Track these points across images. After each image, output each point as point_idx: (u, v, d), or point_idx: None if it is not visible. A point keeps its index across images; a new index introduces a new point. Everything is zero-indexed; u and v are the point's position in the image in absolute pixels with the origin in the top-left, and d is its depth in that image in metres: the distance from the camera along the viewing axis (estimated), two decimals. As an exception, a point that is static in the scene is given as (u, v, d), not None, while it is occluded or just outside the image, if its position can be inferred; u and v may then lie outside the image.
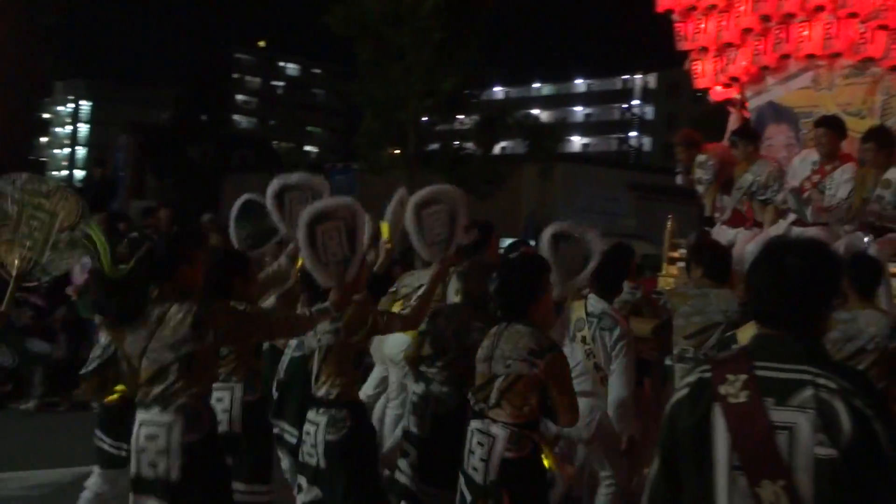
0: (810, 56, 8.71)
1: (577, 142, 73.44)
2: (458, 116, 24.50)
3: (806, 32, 8.61)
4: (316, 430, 4.74)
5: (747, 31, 9.09)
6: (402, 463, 5.27)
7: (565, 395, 4.44)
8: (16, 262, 5.45)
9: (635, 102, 70.34)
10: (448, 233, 5.63)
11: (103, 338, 5.76)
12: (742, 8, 9.01)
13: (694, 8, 9.39)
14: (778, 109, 9.17)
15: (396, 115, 21.80)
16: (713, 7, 9.29)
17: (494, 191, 24.04)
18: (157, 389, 4.31)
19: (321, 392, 4.81)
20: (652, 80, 69.82)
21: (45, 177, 6.24)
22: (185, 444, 4.24)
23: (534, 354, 4.35)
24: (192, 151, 47.62)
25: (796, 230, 7.73)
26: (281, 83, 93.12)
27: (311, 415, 4.84)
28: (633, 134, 67.98)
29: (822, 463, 2.43)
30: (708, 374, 2.67)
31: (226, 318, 4.46)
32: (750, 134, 8.89)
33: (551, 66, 78.09)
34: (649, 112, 69.70)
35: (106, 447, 5.60)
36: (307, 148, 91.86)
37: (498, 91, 73.99)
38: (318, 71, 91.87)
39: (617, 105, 71.68)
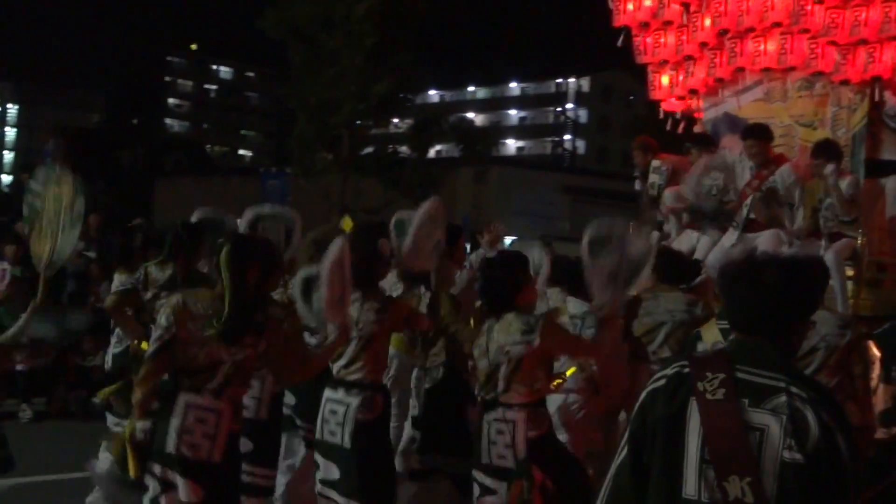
0: (765, 69, 9.16)
1: (511, 145, 73.75)
2: (393, 120, 24.46)
3: (762, 47, 9.02)
4: (346, 409, 4.95)
5: (704, 45, 9.55)
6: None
7: (570, 342, 4.91)
8: (44, 254, 5.74)
9: (569, 106, 70.87)
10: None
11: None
12: (702, 22, 9.47)
13: (648, 24, 9.93)
14: (733, 120, 9.49)
15: (330, 119, 21.68)
16: (669, 23, 9.81)
17: (429, 194, 24.00)
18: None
19: (356, 375, 5.02)
20: (585, 83, 70.41)
21: (52, 166, 6.36)
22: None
23: (526, 332, 4.59)
24: (123, 155, 46.95)
25: (749, 236, 8.13)
26: (214, 86, 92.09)
27: (337, 395, 5.02)
28: (567, 137, 68.53)
29: (788, 466, 2.54)
30: (687, 370, 2.76)
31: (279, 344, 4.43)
32: (705, 141, 9.28)
33: (486, 69, 78.26)
34: (583, 115, 70.27)
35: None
36: (241, 152, 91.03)
37: (433, 95, 74.06)
38: (251, 74, 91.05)
39: (551, 108, 72.15)
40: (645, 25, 10.01)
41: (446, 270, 5.89)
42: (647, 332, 6.31)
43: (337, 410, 4.98)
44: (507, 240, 38.56)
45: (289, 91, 22.91)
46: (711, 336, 5.04)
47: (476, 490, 4.79)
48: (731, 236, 8.36)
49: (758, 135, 8.30)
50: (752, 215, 8.28)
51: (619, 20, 10.12)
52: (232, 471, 4.36)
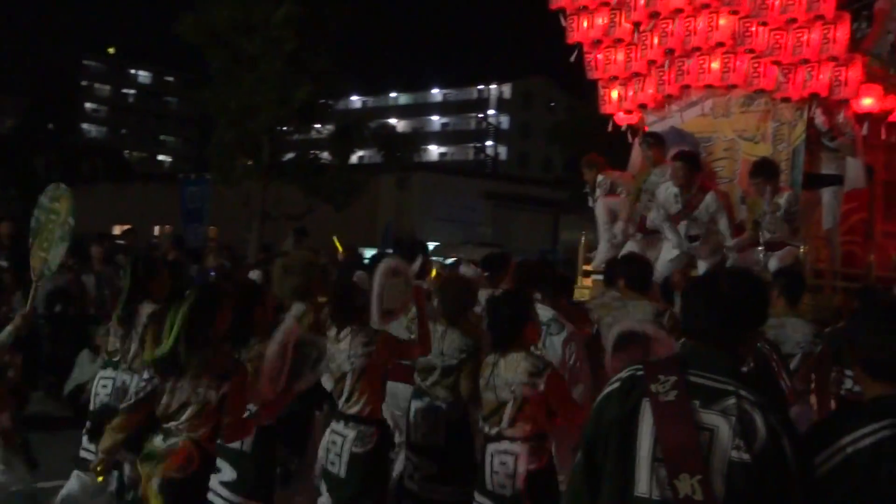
0: (709, 86, 9.81)
1: (434, 151, 73.93)
2: (315, 126, 24.24)
3: (707, 65, 9.68)
4: (343, 441, 5.28)
5: (652, 62, 10.17)
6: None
7: (566, 403, 5.04)
8: (37, 265, 6.23)
9: (491, 112, 71.29)
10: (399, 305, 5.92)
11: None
12: (651, 41, 10.10)
13: (600, 41, 10.52)
14: (681, 134, 10.02)
15: (250, 125, 21.40)
16: (620, 40, 10.41)
17: (351, 201, 23.93)
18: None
19: (354, 409, 5.33)
20: (507, 90, 70.94)
21: (58, 184, 6.73)
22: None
23: (534, 376, 4.86)
24: (38, 161, 45.83)
25: (692, 247, 8.83)
26: (132, 91, 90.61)
27: (337, 427, 5.35)
28: (488, 143, 68.92)
29: (736, 466, 2.62)
30: (640, 372, 2.85)
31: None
32: (660, 138, 9.81)
33: (408, 76, 78.34)
34: (504, 122, 70.75)
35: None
36: (160, 157, 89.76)
37: (355, 100, 73.85)
38: (170, 79, 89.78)
39: (473, 115, 72.51)
40: (597, 43, 10.58)
41: (422, 300, 6.01)
42: None
43: (336, 441, 5.32)
44: (429, 246, 38.58)
45: (208, 96, 22.57)
46: None
47: None
48: (670, 250, 8.95)
49: (684, 161, 8.90)
50: (691, 231, 8.87)
51: (572, 37, 10.66)
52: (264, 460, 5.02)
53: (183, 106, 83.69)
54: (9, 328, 5.97)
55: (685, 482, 2.64)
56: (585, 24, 10.58)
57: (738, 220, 9.13)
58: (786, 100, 9.27)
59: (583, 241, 10.66)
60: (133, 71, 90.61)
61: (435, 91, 77.01)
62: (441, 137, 75.21)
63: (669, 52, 9.93)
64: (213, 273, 12.85)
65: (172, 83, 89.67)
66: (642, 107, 10.65)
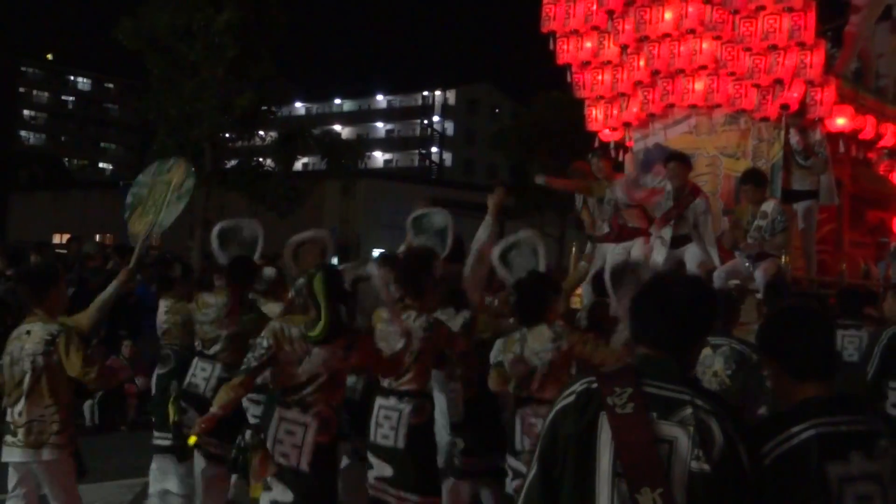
0: (693, 105, 10.44)
1: (379, 157, 73.78)
2: (258, 133, 24.08)
3: (691, 86, 10.31)
4: (399, 415, 5.58)
5: (638, 83, 10.71)
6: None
7: (598, 350, 5.53)
8: (140, 229, 6.79)
9: (436, 118, 71.34)
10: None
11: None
12: (637, 63, 10.62)
13: (588, 63, 11.05)
14: (664, 150, 10.29)
15: (192, 132, 21.21)
16: (607, 62, 10.97)
17: (295, 208, 23.81)
18: None
19: (409, 386, 5.66)
20: (451, 96, 71.01)
21: (169, 158, 7.54)
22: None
23: (556, 340, 5.54)
24: (-26, 169, 45.02)
25: (676, 251, 9.15)
26: (71, 98, 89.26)
27: (389, 402, 5.65)
28: (434, 149, 68.96)
29: (696, 476, 2.60)
30: (595, 385, 2.79)
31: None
32: (606, 152, 10.50)
33: (352, 82, 78.30)
34: (449, 128, 70.82)
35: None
36: (101, 165, 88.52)
37: (299, 107, 73.47)
38: (110, 85, 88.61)
39: (418, 121, 72.50)
40: (585, 64, 11.11)
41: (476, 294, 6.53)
42: None
43: (391, 416, 5.61)
44: (375, 252, 38.49)
45: (148, 103, 22.32)
46: None
47: (510, 474, 5.63)
48: (660, 252, 9.19)
49: (679, 160, 9.25)
50: (677, 232, 9.19)
51: (561, 58, 11.17)
52: (322, 480, 4.93)
53: (123, 113, 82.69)
54: (113, 283, 6.22)
55: (647, 496, 2.61)
56: (573, 46, 11.10)
57: (718, 232, 9.41)
58: (764, 119, 9.94)
59: (573, 253, 10.90)
60: (72, 77, 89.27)
61: (379, 97, 76.83)
62: (386, 144, 75.02)
63: (655, 73, 10.47)
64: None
65: (112, 90, 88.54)
66: (627, 125, 11.18)
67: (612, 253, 9.50)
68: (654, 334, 2.86)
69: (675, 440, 2.63)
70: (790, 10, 9.41)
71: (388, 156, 74.81)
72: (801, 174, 9.85)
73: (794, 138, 9.81)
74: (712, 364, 5.77)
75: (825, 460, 2.73)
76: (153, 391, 7.56)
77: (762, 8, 9.52)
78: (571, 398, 2.82)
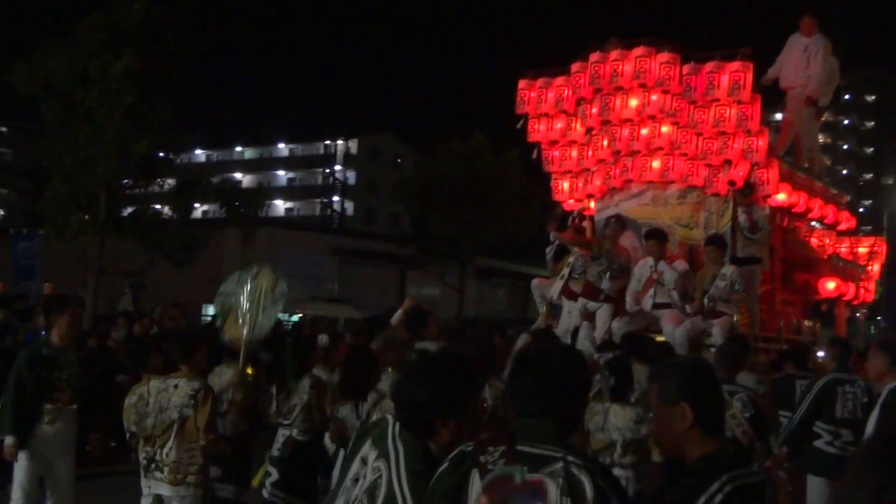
0: (650, 181, 11.77)
1: (280, 206, 73.29)
2: (156, 180, 23.59)
3: (649, 164, 11.66)
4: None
5: (601, 160, 12.06)
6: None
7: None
8: (244, 334, 7.66)
9: (337, 167, 71.30)
10: None
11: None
12: (601, 143, 11.92)
13: (556, 141, 12.46)
14: (623, 220, 11.70)
15: (86, 179, 20.67)
16: (574, 141, 12.38)
17: (193, 256, 23.39)
18: None
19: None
20: (353, 145, 71.14)
21: (252, 266, 8.23)
22: None
23: (638, 423, 6.57)
24: None
25: (657, 312, 10.62)
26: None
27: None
28: (335, 198, 68.83)
29: None
30: (470, 448, 2.89)
31: None
32: (623, 222, 11.63)
33: (254, 130, 77.67)
34: (351, 177, 70.85)
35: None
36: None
37: (199, 154, 72.63)
38: (3, 129, 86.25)
39: (319, 170, 72.37)
40: (554, 142, 12.54)
41: None
42: None
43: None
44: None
45: (42, 148, 21.76)
46: None
47: None
48: (645, 307, 10.66)
49: (657, 237, 10.74)
50: (657, 300, 10.66)
51: (532, 137, 12.55)
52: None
53: (17, 157, 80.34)
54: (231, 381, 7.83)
55: None
56: (544, 127, 12.48)
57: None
58: (715, 194, 11.37)
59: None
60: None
61: (281, 146, 76.54)
62: (287, 192, 74.63)
63: (617, 152, 11.74)
64: (43, 332, 12.30)
65: (5, 134, 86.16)
66: (590, 196, 12.51)
67: (583, 311, 11.12)
68: (532, 405, 2.93)
69: (545, 491, 2.69)
70: (739, 101, 10.90)
71: (289, 204, 74.39)
72: (747, 243, 11.22)
73: (742, 216, 11.14)
74: (730, 408, 6.44)
75: None
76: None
77: (716, 99, 10.96)
78: (447, 464, 2.95)
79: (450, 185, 34.36)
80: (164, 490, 6.50)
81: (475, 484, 2.78)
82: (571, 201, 12.76)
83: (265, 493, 7.99)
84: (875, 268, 14.56)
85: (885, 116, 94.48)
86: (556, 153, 12.58)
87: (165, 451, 6.47)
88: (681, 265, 10.73)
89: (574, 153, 12.43)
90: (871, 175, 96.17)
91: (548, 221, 12.42)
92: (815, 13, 12.73)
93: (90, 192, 21.11)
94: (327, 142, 71.79)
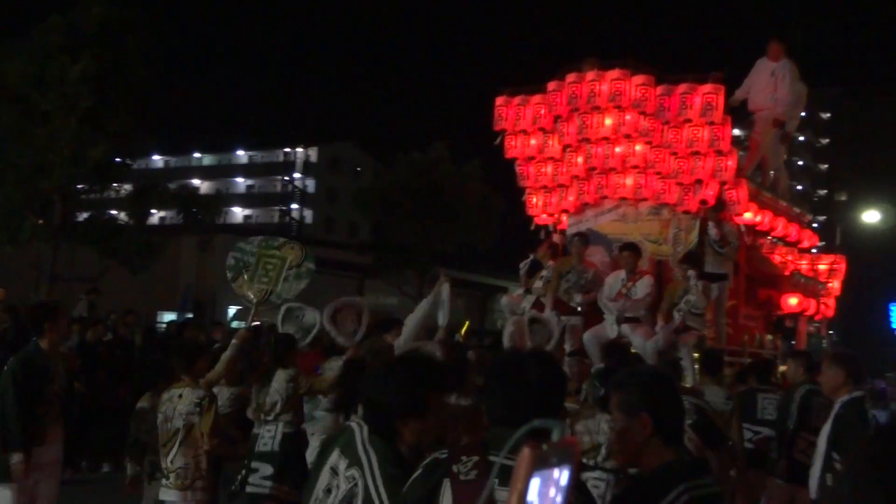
0: (623, 198, 12.10)
1: (238, 213, 72.80)
2: (112, 185, 23.34)
3: (622, 181, 12.00)
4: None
5: (576, 177, 12.38)
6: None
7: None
8: (251, 294, 8.01)
9: (297, 175, 70.99)
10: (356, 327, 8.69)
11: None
12: (575, 160, 12.23)
13: (533, 157, 12.79)
14: (596, 235, 12.26)
15: (41, 183, 20.41)
16: (550, 158, 12.69)
17: (149, 263, 23.19)
18: None
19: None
20: (313, 153, 70.86)
21: (276, 236, 8.88)
22: None
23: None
24: None
25: (624, 327, 10.63)
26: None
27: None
28: (294, 206, 68.52)
29: None
30: (444, 456, 2.88)
31: None
32: (586, 239, 11.85)
33: (212, 136, 77.20)
34: (310, 185, 70.55)
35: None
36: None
37: (157, 160, 71.99)
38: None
39: (279, 177, 71.98)
40: (530, 158, 12.85)
41: None
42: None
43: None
44: (231, 309, 37.68)
45: (-4, 152, 21.45)
46: None
47: None
48: (612, 328, 10.65)
49: (632, 249, 11.04)
50: (628, 314, 10.74)
51: (509, 153, 12.84)
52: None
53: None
54: (234, 341, 7.69)
55: None
56: (520, 143, 12.79)
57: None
58: (685, 212, 11.77)
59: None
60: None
61: (240, 152, 76.05)
62: (246, 199, 74.13)
63: (592, 169, 12.10)
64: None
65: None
66: (564, 211, 12.83)
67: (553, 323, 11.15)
68: (505, 413, 2.92)
69: None
70: (711, 122, 11.28)
71: (247, 211, 73.90)
72: (716, 259, 11.56)
73: (713, 230, 11.52)
74: None
75: None
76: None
77: (689, 120, 11.33)
78: (420, 470, 2.93)
79: (409, 195, 34.39)
80: (172, 496, 6.73)
81: (447, 494, 2.77)
82: (545, 216, 13.11)
83: (252, 489, 8.02)
84: (835, 284, 15.06)
85: (839, 133, 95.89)
86: (531, 169, 12.89)
87: (170, 458, 6.74)
88: (648, 280, 10.99)
89: (549, 169, 12.77)
90: (825, 191, 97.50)
91: (539, 248, 12.78)
92: (781, 39, 13.19)
93: (45, 196, 20.88)
94: (287, 149, 71.38)
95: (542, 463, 1.40)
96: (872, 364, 15.94)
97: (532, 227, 13.19)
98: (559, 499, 1.35)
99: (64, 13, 20.44)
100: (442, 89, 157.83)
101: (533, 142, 12.74)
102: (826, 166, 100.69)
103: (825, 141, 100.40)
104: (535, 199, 13.14)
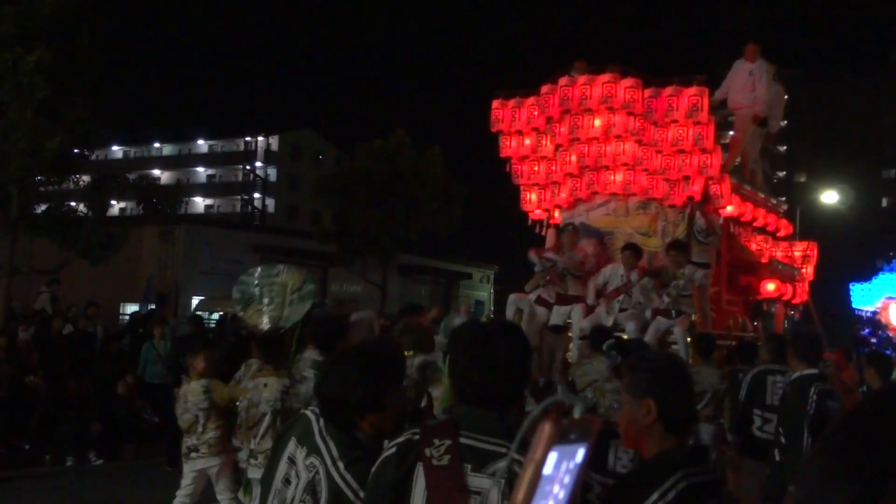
0: (614, 193, 12.89)
1: (199, 203, 72.28)
2: (70, 176, 23.02)
3: (612, 178, 12.82)
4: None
5: (569, 174, 13.15)
6: None
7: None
8: (265, 322, 8.42)
9: (258, 164, 70.59)
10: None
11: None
12: (569, 158, 13.01)
13: (527, 156, 13.52)
14: (588, 228, 12.99)
15: (-3, 176, 20.11)
16: (543, 157, 13.45)
17: (110, 254, 22.94)
18: None
19: None
20: (274, 142, 70.47)
21: (274, 264, 9.46)
22: None
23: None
24: None
25: (621, 315, 11.34)
26: None
27: None
28: (256, 195, 68.14)
29: None
30: (417, 437, 2.81)
31: None
32: (576, 228, 12.56)
33: (172, 126, 76.46)
34: (272, 174, 70.19)
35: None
36: None
37: (116, 150, 71.30)
38: None
39: (240, 166, 71.55)
40: (524, 157, 13.59)
41: None
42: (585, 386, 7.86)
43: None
44: (194, 300, 37.30)
45: (-50, 144, 21.08)
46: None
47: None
48: (606, 319, 11.19)
49: (633, 249, 11.69)
50: (623, 305, 11.47)
51: (504, 152, 13.61)
52: None
53: (-76, 153, 78.06)
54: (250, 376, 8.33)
55: None
56: (515, 143, 13.52)
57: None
58: (672, 206, 12.50)
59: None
60: None
61: (200, 142, 75.47)
62: (207, 189, 73.59)
63: (584, 167, 12.91)
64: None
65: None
66: (557, 206, 13.55)
67: (557, 314, 11.92)
68: (476, 392, 2.88)
69: (487, 493, 2.66)
70: (697, 123, 12.05)
71: (209, 201, 73.41)
72: (700, 249, 12.22)
73: (701, 220, 12.24)
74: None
75: None
76: None
77: (675, 120, 12.13)
78: (393, 449, 2.86)
79: (371, 182, 34.29)
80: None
81: (420, 479, 2.74)
82: (538, 211, 13.84)
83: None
84: (808, 270, 15.90)
85: (798, 116, 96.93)
86: (526, 167, 13.67)
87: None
88: (648, 281, 11.65)
89: (542, 167, 13.55)
90: (784, 173, 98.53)
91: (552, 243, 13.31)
92: (757, 41, 14.18)
93: (1, 189, 20.57)
94: (248, 138, 70.94)
95: (562, 438, 1.42)
96: (834, 343, 16.46)
97: (528, 223, 13.96)
98: (571, 476, 1.37)
99: (16, 2, 20.11)
100: (402, 76, 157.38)
101: (527, 142, 13.51)
102: (784, 148, 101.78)
103: (783, 123, 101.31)
104: (529, 196, 13.88)
